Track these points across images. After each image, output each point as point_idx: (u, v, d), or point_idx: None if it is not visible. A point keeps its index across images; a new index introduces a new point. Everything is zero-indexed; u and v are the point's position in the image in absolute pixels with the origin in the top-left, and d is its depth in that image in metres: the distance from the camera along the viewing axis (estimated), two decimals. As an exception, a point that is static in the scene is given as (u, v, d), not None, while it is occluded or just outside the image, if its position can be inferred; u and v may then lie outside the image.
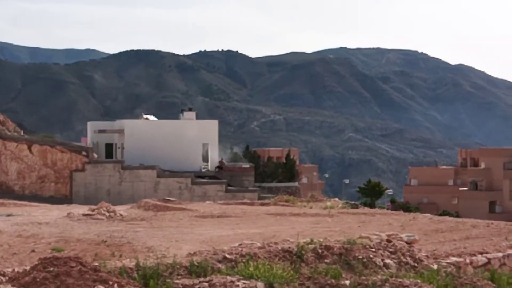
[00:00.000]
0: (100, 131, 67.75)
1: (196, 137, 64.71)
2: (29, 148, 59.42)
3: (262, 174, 71.38)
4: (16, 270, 14.54)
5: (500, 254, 21.59)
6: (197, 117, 72.24)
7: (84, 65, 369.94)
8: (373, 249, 18.55)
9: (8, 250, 23.02)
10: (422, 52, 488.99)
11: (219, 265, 15.96)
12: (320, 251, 17.72)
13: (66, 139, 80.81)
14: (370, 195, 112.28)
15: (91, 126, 71.60)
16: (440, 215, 56.29)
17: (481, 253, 21.42)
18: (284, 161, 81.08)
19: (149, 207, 38.03)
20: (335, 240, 19.02)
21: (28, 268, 14.02)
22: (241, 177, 64.25)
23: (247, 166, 66.51)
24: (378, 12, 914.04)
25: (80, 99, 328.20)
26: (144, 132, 64.52)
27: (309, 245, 17.91)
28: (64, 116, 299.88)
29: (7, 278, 13.80)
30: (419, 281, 16.45)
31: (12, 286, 13.07)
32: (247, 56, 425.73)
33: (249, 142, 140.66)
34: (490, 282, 17.94)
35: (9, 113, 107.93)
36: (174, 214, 34.96)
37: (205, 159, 65.51)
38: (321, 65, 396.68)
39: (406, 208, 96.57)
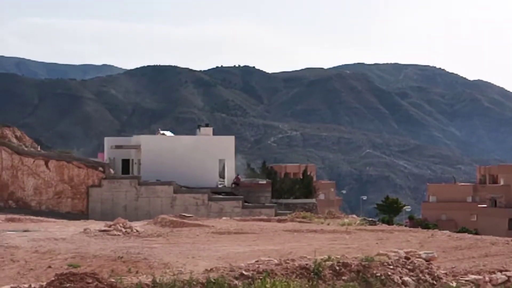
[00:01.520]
0: (117, 147, 67.77)
1: (213, 153, 64.59)
2: (46, 164, 59.52)
3: (279, 190, 71.15)
4: (32, 286, 14.50)
5: (520, 272, 21.32)
6: (214, 133, 72.16)
7: (100, 81, 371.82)
8: (391, 266, 18.39)
9: (24, 266, 22.99)
10: (439, 68, 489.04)
11: (236, 281, 15.85)
12: (337, 268, 17.58)
13: (83, 155, 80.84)
14: (388, 211, 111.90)
15: (108, 141, 71.65)
16: (459, 232, 55.81)
17: (500, 271, 21.17)
18: (301, 177, 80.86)
19: (165, 223, 37.97)
20: (352, 257, 18.87)
21: (44, 284, 13.98)
22: (258, 193, 64.03)
23: (264, 182, 66.31)
24: (395, 27, 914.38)
25: (96, 115, 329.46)
26: (160, 147, 64.48)
27: (327, 262, 17.78)
28: (80, 132, 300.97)
29: (22, 294, 13.76)
30: (438, 299, 16.28)
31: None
32: (264, 72, 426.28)
33: (265, 158, 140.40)
34: (510, 300, 17.74)
35: (26, 128, 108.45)
36: (191, 230, 34.86)
37: (222, 175, 65.39)
38: (338, 80, 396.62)
39: (425, 225, 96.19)
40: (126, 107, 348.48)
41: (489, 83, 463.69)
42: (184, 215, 43.32)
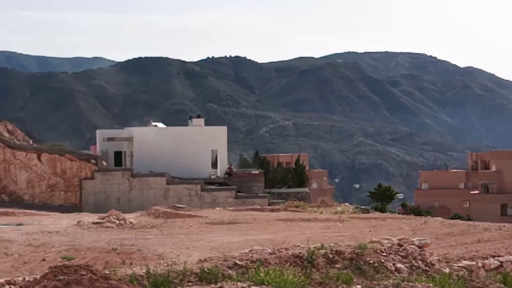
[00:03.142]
0: (109, 139, 67.77)
1: (205, 144, 64.65)
2: (38, 157, 59.49)
3: (272, 180, 71.27)
4: (26, 279, 14.51)
5: (513, 257, 21.45)
6: (206, 124, 72.21)
7: (91, 73, 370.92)
8: (384, 254, 18.45)
9: (18, 259, 23.00)
10: (430, 55, 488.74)
11: (230, 271, 15.90)
12: (331, 256, 17.63)
13: (75, 148, 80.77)
14: (381, 199, 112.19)
15: (100, 134, 71.60)
16: (452, 218, 56.05)
17: (493, 256, 21.30)
18: (294, 167, 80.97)
19: (159, 215, 38.04)
20: (346, 245, 18.93)
21: (38, 277, 13.99)
22: (251, 183, 64.15)
23: (257, 172, 66.41)
24: (385, 15, 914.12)
25: (88, 108, 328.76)
26: (153, 139, 64.50)
27: (320, 250, 17.83)
28: (72, 125, 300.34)
29: (17, 287, 13.78)
30: (431, 285, 16.36)
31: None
32: (255, 62, 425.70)
33: (258, 148, 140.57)
34: (502, 285, 17.83)
35: (17, 122, 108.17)
36: (184, 221, 34.92)
37: (214, 165, 65.46)
38: (329, 69, 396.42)
39: (417, 212, 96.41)
40: (118, 100, 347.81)
41: (480, 70, 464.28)
42: (177, 206, 43.40)
